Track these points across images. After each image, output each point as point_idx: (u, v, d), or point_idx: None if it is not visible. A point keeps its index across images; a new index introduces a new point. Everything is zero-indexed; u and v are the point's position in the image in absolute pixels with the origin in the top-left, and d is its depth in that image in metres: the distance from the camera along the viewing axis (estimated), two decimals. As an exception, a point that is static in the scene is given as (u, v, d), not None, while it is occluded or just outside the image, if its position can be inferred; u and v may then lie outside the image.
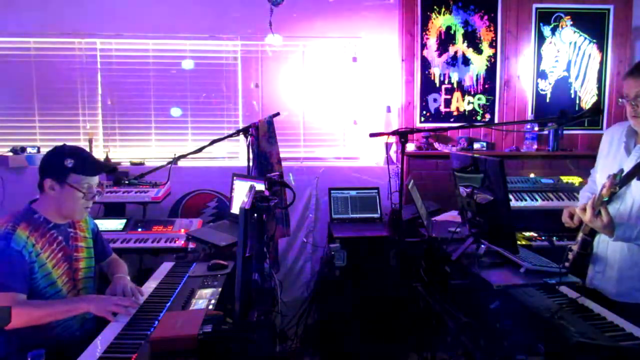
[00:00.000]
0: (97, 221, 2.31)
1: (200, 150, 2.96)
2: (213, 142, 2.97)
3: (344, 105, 3.85)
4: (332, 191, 3.47)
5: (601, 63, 3.75)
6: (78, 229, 2.09)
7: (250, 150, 3.00)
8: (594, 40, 3.73)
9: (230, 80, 3.75)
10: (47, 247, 1.91)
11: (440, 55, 3.70)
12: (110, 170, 2.30)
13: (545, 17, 3.71)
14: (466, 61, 3.71)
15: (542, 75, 3.75)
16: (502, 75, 3.74)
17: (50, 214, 1.95)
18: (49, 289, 1.89)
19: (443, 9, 3.67)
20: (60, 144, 2.01)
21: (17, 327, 1.71)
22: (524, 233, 3.06)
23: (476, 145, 3.66)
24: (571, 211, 2.05)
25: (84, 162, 1.94)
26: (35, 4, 3.53)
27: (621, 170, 1.81)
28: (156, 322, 1.69)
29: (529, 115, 3.74)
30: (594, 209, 1.79)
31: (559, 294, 1.82)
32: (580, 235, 2.05)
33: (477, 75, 3.73)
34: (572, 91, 3.77)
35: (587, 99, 3.77)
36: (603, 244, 2.03)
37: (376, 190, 3.50)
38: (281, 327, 3.33)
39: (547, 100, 3.76)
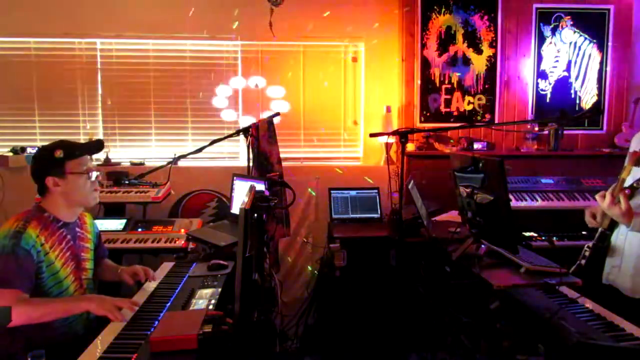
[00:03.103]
0: (97, 221, 2.32)
1: (200, 150, 2.96)
2: (213, 142, 2.97)
3: (344, 105, 3.84)
4: (332, 191, 3.47)
5: (601, 63, 3.75)
6: (84, 230, 2.11)
7: (250, 150, 3.00)
8: (594, 40, 3.73)
9: (230, 80, 3.75)
10: (57, 245, 1.92)
11: (440, 55, 3.70)
12: (97, 146, 2.17)
13: (545, 17, 3.71)
14: (466, 61, 3.71)
15: (542, 75, 3.75)
16: (502, 75, 3.73)
17: (60, 212, 1.97)
18: (54, 289, 1.90)
19: (443, 9, 3.66)
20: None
21: (17, 325, 1.71)
22: (524, 233, 3.06)
23: (476, 145, 3.65)
24: (593, 211, 2.04)
25: (72, 148, 1.97)
26: (36, 4, 3.53)
27: None
28: (156, 322, 1.69)
29: (529, 115, 3.74)
30: (613, 196, 1.79)
31: (559, 294, 1.82)
32: (599, 229, 2.03)
33: (477, 75, 3.72)
34: (572, 91, 3.76)
35: (587, 99, 3.77)
36: (621, 237, 2.01)
37: (376, 190, 3.50)
38: (281, 327, 3.33)
39: (547, 100, 3.76)
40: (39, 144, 3.60)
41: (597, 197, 1.89)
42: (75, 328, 1.95)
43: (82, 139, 3.66)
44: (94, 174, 2.02)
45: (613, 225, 1.97)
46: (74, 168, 1.94)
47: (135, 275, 2.16)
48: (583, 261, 2.00)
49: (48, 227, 1.91)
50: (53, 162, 1.92)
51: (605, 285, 2.06)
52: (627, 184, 1.82)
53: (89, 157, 2.03)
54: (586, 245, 2.05)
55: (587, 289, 1.80)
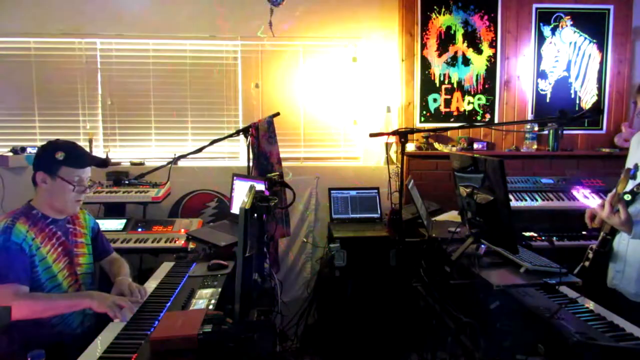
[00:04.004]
0: (97, 221, 2.31)
1: (200, 150, 2.96)
2: (213, 142, 2.97)
3: (344, 105, 3.84)
4: (332, 191, 3.47)
5: (601, 63, 3.75)
6: (77, 225, 2.12)
7: (250, 150, 3.00)
8: (594, 40, 3.73)
9: (230, 80, 3.75)
10: (47, 241, 1.93)
11: (440, 55, 3.70)
12: (101, 163, 2.22)
13: (545, 17, 3.71)
14: (466, 61, 3.71)
15: (542, 75, 3.75)
16: (502, 75, 3.74)
17: (47, 209, 1.98)
18: (48, 283, 1.91)
19: (443, 9, 3.67)
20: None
21: (19, 320, 1.72)
22: (524, 233, 3.06)
23: (476, 145, 3.66)
24: (593, 212, 2.05)
25: (75, 155, 1.96)
26: (36, 4, 3.53)
27: (636, 166, 1.81)
28: (156, 322, 1.68)
29: (529, 115, 3.74)
30: (612, 206, 1.80)
31: (559, 294, 1.82)
32: (601, 234, 2.05)
33: (477, 75, 3.72)
34: (572, 91, 3.77)
35: (587, 99, 3.77)
36: (623, 243, 2.02)
37: (376, 190, 3.50)
38: (281, 327, 3.33)
39: (547, 100, 3.76)
40: (39, 144, 3.58)
41: (596, 206, 1.91)
42: (73, 326, 1.95)
43: (82, 138, 3.66)
44: (86, 189, 2.00)
45: (614, 229, 1.98)
46: (66, 175, 1.93)
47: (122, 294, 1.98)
48: (587, 263, 2.00)
49: (37, 223, 1.92)
50: (51, 159, 1.92)
51: (610, 288, 2.06)
52: (627, 188, 1.82)
53: (87, 169, 2.01)
54: (589, 247, 2.05)
55: (591, 292, 1.80)
